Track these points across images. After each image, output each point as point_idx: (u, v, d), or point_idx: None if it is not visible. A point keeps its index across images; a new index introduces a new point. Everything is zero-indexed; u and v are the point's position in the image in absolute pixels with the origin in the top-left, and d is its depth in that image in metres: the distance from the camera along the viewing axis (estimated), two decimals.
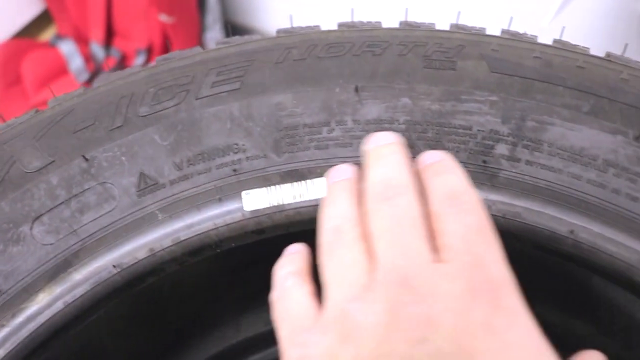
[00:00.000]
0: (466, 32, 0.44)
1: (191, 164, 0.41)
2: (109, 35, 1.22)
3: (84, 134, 0.41)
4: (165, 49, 1.18)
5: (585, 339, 0.59)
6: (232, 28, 1.24)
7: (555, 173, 0.40)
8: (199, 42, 1.18)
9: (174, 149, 0.41)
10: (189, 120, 0.41)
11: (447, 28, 0.45)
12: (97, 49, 1.21)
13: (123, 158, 0.41)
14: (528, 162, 0.40)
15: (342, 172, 0.38)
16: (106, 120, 0.41)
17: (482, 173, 0.40)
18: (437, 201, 0.33)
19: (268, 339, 0.56)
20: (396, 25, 0.46)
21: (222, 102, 0.41)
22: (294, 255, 0.37)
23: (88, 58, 1.24)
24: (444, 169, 0.35)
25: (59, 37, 1.25)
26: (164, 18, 1.13)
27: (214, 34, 1.19)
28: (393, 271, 0.30)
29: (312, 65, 0.42)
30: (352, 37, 0.43)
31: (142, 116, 0.41)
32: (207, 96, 0.42)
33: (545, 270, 0.57)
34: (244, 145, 0.41)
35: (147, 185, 0.41)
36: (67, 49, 1.21)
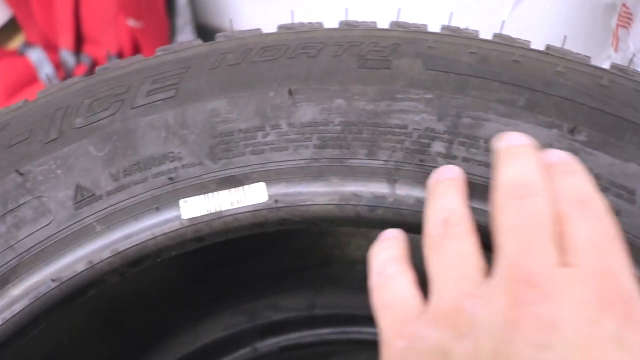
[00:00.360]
0: (404, 30, 0.44)
1: (127, 175, 0.41)
2: (79, 42, 1.22)
3: (19, 149, 0.41)
4: (136, 53, 1.17)
5: None
6: (205, 30, 1.24)
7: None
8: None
9: (110, 160, 0.41)
10: (124, 130, 0.41)
11: (387, 27, 0.45)
12: (67, 56, 1.21)
13: (59, 171, 0.41)
14: (465, 160, 0.40)
15: (449, 171, 0.37)
16: (41, 134, 0.41)
17: (420, 172, 0.40)
18: (566, 204, 0.32)
19: (226, 345, 0.56)
20: (337, 25, 0.45)
21: (157, 111, 0.41)
22: (392, 241, 0.36)
23: (58, 65, 1.24)
24: (572, 171, 0.35)
25: (28, 45, 1.24)
26: (132, 23, 1.12)
27: (185, 36, 1.19)
28: (517, 267, 0.29)
29: (247, 70, 0.42)
30: (288, 40, 0.43)
31: (77, 128, 0.41)
32: (142, 105, 0.41)
33: None
34: (179, 153, 0.41)
35: (84, 197, 0.40)
36: (37, 57, 1.20)
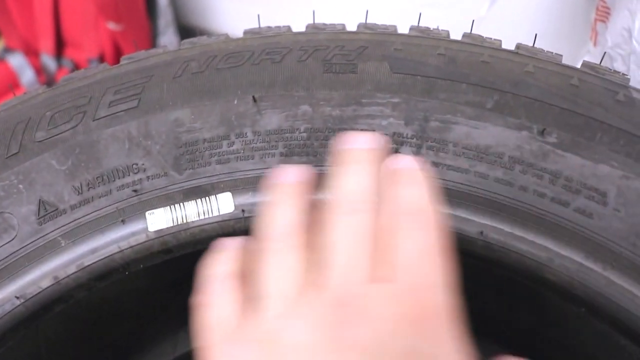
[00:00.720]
0: (371, 32, 0.43)
1: (91, 187, 0.40)
2: (60, 46, 1.20)
3: None
4: (117, 56, 1.16)
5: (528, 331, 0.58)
6: (187, 31, 1.23)
7: (462, 173, 0.39)
8: (152, 47, 1.16)
9: (72, 173, 0.40)
10: (86, 142, 0.40)
11: (354, 29, 0.44)
12: (48, 61, 1.20)
13: (20, 186, 0.40)
14: (434, 164, 0.39)
15: (292, 174, 0.36)
16: (1, 148, 0.40)
17: None
18: (394, 215, 0.32)
19: None
20: (303, 29, 0.45)
21: (120, 122, 0.40)
22: (226, 254, 0.36)
23: (39, 70, 1.23)
24: (409, 180, 0.34)
25: (8, 50, 1.23)
26: (112, 26, 1.11)
27: (167, 38, 1.18)
28: (329, 288, 0.29)
29: (210, 77, 0.41)
30: (252, 46, 0.42)
31: (38, 141, 0.40)
32: (104, 117, 0.41)
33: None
34: (143, 164, 0.40)
35: (47, 212, 0.40)
36: (17, 62, 1.19)
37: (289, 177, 0.36)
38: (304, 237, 0.33)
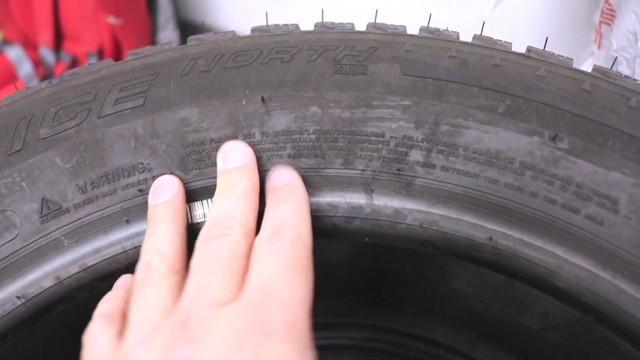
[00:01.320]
0: (381, 32, 0.42)
1: (95, 187, 0.39)
2: (59, 39, 1.19)
3: None
4: (116, 50, 1.15)
5: (530, 334, 0.58)
6: (187, 26, 1.22)
7: (472, 178, 0.38)
8: (152, 42, 1.15)
9: (76, 172, 0.39)
10: (91, 140, 0.40)
11: (363, 29, 0.43)
12: (46, 54, 1.18)
13: (23, 184, 0.39)
14: (444, 168, 0.39)
15: (165, 188, 0.38)
16: (4, 145, 0.40)
17: (397, 181, 0.39)
18: (262, 235, 0.34)
19: None
20: (312, 27, 0.44)
21: (126, 120, 0.40)
22: (114, 292, 0.38)
23: (37, 63, 1.21)
24: (283, 197, 0.37)
25: (6, 42, 1.21)
26: (112, 20, 1.10)
27: (167, 33, 1.17)
28: (181, 313, 0.31)
29: (218, 76, 0.40)
30: (260, 44, 0.41)
31: (42, 138, 0.40)
32: (109, 114, 0.40)
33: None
34: (149, 164, 0.39)
35: (50, 210, 0.39)
36: (15, 54, 1.18)
37: (164, 193, 0.38)
38: (179, 262, 0.35)
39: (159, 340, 0.30)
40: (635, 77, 0.65)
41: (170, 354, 0.29)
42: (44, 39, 1.17)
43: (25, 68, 1.17)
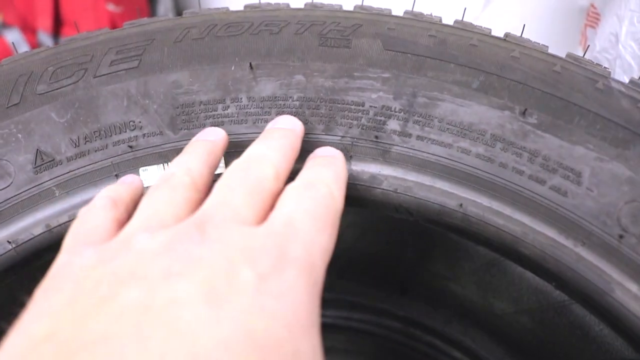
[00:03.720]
0: (366, 12, 0.45)
1: (88, 141, 0.41)
2: (57, 25, 1.21)
3: None
4: None
5: (504, 317, 0.60)
6: None
7: (445, 148, 0.40)
8: None
9: (70, 127, 0.41)
10: (86, 98, 0.42)
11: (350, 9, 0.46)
12: (45, 38, 1.20)
13: (19, 135, 0.41)
14: (419, 138, 0.41)
15: (211, 134, 0.39)
16: (2, 98, 0.41)
17: (375, 148, 0.41)
18: (294, 183, 0.34)
19: None
20: (302, 5, 0.46)
21: (120, 80, 0.42)
22: (122, 186, 0.38)
23: (36, 47, 1.23)
24: (324, 163, 0.37)
25: (5, 25, 1.23)
26: (111, 7, 1.13)
27: None
28: (197, 217, 0.30)
29: (209, 44, 0.42)
30: (252, 17, 0.44)
31: (39, 94, 0.42)
32: (105, 74, 0.42)
33: (466, 251, 0.58)
34: (140, 122, 0.41)
35: (43, 162, 0.41)
36: (14, 37, 1.20)
37: (208, 135, 0.39)
38: (202, 184, 0.34)
39: (166, 233, 0.28)
40: (616, 76, 0.67)
41: (174, 246, 0.27)
42: (43, 23, 1.19)
43: (22, 51, 1.19)
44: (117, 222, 0.34)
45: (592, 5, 0.73)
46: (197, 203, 0.33)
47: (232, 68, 0.42)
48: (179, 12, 1.21)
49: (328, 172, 0.36)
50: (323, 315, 0.67)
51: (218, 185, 0.33)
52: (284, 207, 0.31)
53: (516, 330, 0.59)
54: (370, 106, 0.41)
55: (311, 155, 0.39)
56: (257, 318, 0.24)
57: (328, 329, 0.67)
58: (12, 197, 0.41)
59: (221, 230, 0.28)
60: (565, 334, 0.57)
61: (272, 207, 0.32)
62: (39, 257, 0.41)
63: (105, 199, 0.35)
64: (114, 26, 1.18)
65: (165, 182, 0.34)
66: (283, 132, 0.38)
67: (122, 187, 0.38)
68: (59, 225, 0.41)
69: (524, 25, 0.47)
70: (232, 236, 0.28)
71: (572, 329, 0.56)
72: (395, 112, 0.41)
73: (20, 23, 1.22)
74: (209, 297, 0.24)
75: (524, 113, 0.40)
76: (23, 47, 1.20)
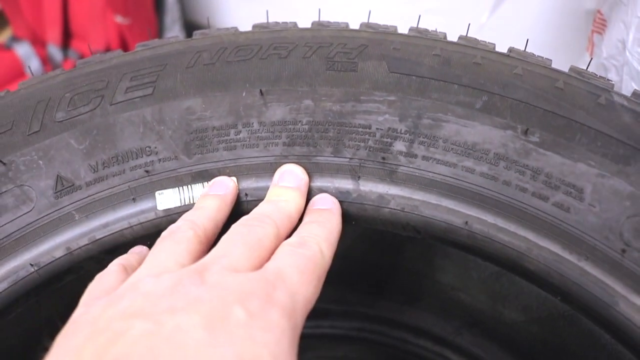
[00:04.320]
0: (372, 30, 0.46)
1: (106, 167, 0.43)
2: (67, 37, 1.23)
3: (2, 139, 0.43)
4: (124, 50, 1.18)
5: (514, 326, 0.61)
6: (193, 28, 1.26)
7: (450, 167, 0.42)
8: None
9: (89, 153, 0.43)
10: (103, 125, 0.43)
11: (357, 27, 0.47)
12: (54, 51, 1.22)
13: (40, 162, 0.43)
14: (424, 158, 0.42)
15: (220, 186, 0.42)
16: (23, 125, 0.43)
17: (382, 169, 0.42)
18: (289, 240, 0.38)
19: None
20: (308, 25, 0.47)
21: (135, 107, 0.43)
22: (132, 255, 0.41)
23: (45, 60, 1.25)
24: (320, 220, 0.40)
25: (15, 39, 1.25)
26: (119, 19, 1.14)
27: (173, 34, 1.20)
28: (197, 266, 0.33)
29: (220, 69, 0.44)
30: (260, 40, 0.45)
31: (58, 121, 0.43)
32: (121, 102, 0.43)
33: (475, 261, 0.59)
34: (156, 147, 0.43)
35: (63, 187, 0.43)
36: (24, 51, 1.22)
37: (218, 189, 0.42)
38: (205, 238, 0.38)
39: (170, 277, 0.32)
40: (623, 84, 0.68)
41: (177, 288, 0.31)
42: (53, 36, 1.21)
43: (33, 65, 1.21)
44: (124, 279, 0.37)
45: (599, 11, 0.73)
46: (200, 254, 0.37)
47: (243, 94, 0.43)
48: (186, 22, 1.23)
49: (322, 231, 0.39)
50: (335, 327, 0.69)
51: (222, 239, 0.37)
52: (277, 260, 0.35)
53: (526, 339, 0.60)
54: (377, 128, 0.42)
55: (310, 205, 0.42)
56: (247, 345, 0.28)
57: (340, 340, 0.69)
58: (34, 222, 0.42)
59: (218, 277, 0.32)
60: (576, 343, 0.58)
61: (268, 259, 0.36)
62: (59, 279, 0.43)
63: (117, 266, 0.39)
64: (122, 38, 1.20)
65: (170, 235, 0.37)
66: (291, 192, 0.41)
67: (132, 256, 0.41)
68: (79, 248, 0.42)
69: (527, 40, 0.48)
70: (228, 281, 0.32)
71: (582, 337, 0.57)
72: (401, 133, 0.42)
73: (29, 36, 1.23)
74: (208, 326, 0.28)
75: (526, 132, 0.41)
76: (33, 61, 1.22)
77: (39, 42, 1.25)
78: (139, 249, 0.43)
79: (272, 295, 0.32)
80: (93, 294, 0.36)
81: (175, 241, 0.37)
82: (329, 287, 0.62)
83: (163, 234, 0.38)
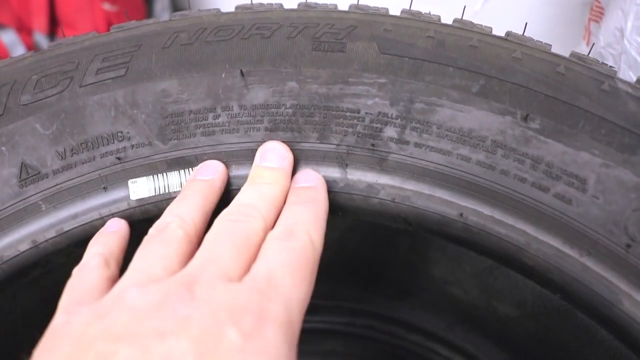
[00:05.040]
0: (362, 12, 0.43)
1: (75, 153, 0.40)
2: (53, 25, 1.20)
3: None
4: None
5: (508, 322, 0.59)
6: None
7: (445, 155, 0.39)
8: None
9: (56, 138, 0.40)
10: (72, 108, 0.40)
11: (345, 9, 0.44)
12: (40, 39, 1.19)
13: (3, 148, 0.40)
14: (417, 145, 0.39)
15: (208, 170, 0.39)
16: None
17: (371, 157, 0.40)
18: (276, 231, 0.35)
19: None
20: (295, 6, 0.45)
21: (107, 90, 0.40)
22: (109, 235, 0.38)
23: (32, 48, 1.22)
24: (304, 199, 0.37)
25: (0, 26, 1.22)
26: (107, 7, 1.11)
27: None
28: (186, 275, 0.31)
29: (199, 49, 0.41)
30: (243, 20, 0.42)
31: (23, 105, 0.40)
32: (91, 84, 0.40)
33: (468, 254, 0.57)
34: (128, 133, 0.40)
35: (29, 175, 0.40)
36: (9, 38, 1.18)
37: (205, 173, 0.39)
38: (195, 235, 0.35)
39: (157, 289, 0.30)
40: (621, 72, 0.66)
41: (165, 305, 0.29)
42: (39, 24, 1.18)
43: (18, 52, 1.18)
44: (110, 281, 0.35)
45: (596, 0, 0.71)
46: (189, 254, 0.34)
47: (223, 75, 0.40)
48: (176, 10, 1.19)
49: (308, 214, 0.36)
50: (325, 322, 0.66)
51: (207, 238, 0.34)
52: (266, 261, 0.33)
53: (520, 335, 0.58)
54: (366, 113, 0.39)
55: (293, 182, 0.39)
56: None
57: (330, 335, 0.66)
58: None
59: (208, 290, 0.30)
60: (571, 339, 0.56)
61: (256, 255, 0.34)
62: (25, 273, 0.40)
63: (97, 258, 0.36)
64: (110, 25, 1.16)
65: (159, 234, 0.35)
66: (275, 174, 0.38)
67: (111, 240, 0.38)
68: (46, 240, 0.40)
69: (526, 23, 0.45)
70: (219, 296, 0.30)
71: (578, 332, 0.55)
72: (392, 118, 0.39)
73: (15, 24, 1.20)
74: (199, 354, 0.26)
75: (525, 118, 0.38)
76: (19, 49, 1.19)
77: (25, 30, 1.22)
78: (116, 225, 0.39)
79: (266, 309, 0.29)
80: (73, 297, 0.33)
81: (163, 243, 0.34)
82: (317, 281, 0.59)
83: (150, 232, 0.35)
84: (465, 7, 0.47)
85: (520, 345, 0.59)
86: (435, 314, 0.62)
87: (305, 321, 0.65)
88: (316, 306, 0.64)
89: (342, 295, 0.64)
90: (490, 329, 0.59)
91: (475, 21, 0.44)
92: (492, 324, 0.59)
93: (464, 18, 0.44)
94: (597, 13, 0.71)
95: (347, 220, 0.44)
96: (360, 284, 0.63)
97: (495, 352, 0.60)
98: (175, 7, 1.21)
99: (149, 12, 1.18)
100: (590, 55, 0.42)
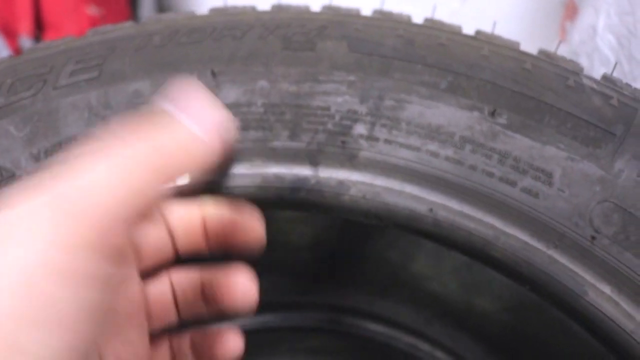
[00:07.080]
0: (334, 13, 0.44)
1: (49, 155, 0.40)
2: (39, 28, 1.20)
3: None
4: None
5: (487, 316, 0.59)
6: None
7: (414, 151, 0.40)
8: None
9: (30, 140, 0.40)
10: (46, 110, 0.41)
11: (318, 10, 0.45)
12: (26, 43, 1.19)
13: None
14: (387, 141, 0.40)
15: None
16: None
17: (342, 154, 0.40)
18: None
19: None
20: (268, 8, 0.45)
21: (80, 91, 0.41)
22: None
23: (17, 52, 1.22)
24: None
25: None
26: (93, 10, 1.11)
27: None
28: None
29: (171, 51, 0.41)
30: (215, 22, 0.43)
31: None
32: (65, 86, 0.41)
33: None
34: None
35: (3, 177, 0.40)
36: None
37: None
38: None
39: None
40: (593, 70, 0.67)
41: None
42: (25, 27, 1.18)
43: (4, 56, 1.18)
44: None
45: None
46: None
47: (194, 75, 0.41)
48: (162, 11, 1.20)
49: None
50: (307, 318, 0.67)
51: None
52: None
53: (498, 328, 0.59)
54: (336, 110, 0.40)
55: None
56: None
57: (311, 331, 0.67)
58: None
59: None
60: (546, 330, 0.56)
61: None
62: None
63: None
64: None
65: None
66: None
67: None
68: None
69: (494, 22, 0.46)
70: None
71: (553, 325, 0.56)
72: (362, 115, 0.40)
73: (1, 27, 1.20)
74: None
75: (493, 113, 0.39)
76: (4, 53, 1.19)
77: (10, 34, 1.22)
78: None
79: None
80: None
81: None
82: (298, 278, 0.60)
83: None
84: (435, 6, 0.47)
85: (498, 338, 0.59)
86: (414, 309, 0.63)
87: (287, 319, 0.65)
88: (296, 303, 0.65)
89: (322, 292, 0.65)
90: (469, 322, 0.60)
91: (454, 20, 0.44)
92: (470, 318, 0.60)
93: (435, 17, 0.45)
94: (571, 11, 0.72)
95: (325, 217, 0.45)
96: (338, 281, 0.63)
97: (474, 345, 0.61)
98: (161, 10, 1.22)
99: (134, 16, 1.18)
100: (563, 54, 0.43)
